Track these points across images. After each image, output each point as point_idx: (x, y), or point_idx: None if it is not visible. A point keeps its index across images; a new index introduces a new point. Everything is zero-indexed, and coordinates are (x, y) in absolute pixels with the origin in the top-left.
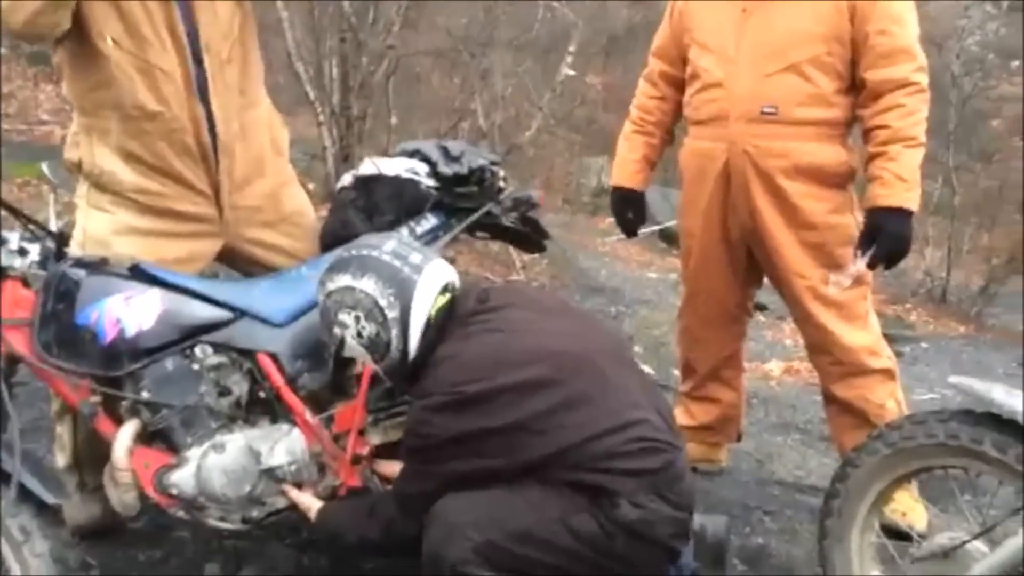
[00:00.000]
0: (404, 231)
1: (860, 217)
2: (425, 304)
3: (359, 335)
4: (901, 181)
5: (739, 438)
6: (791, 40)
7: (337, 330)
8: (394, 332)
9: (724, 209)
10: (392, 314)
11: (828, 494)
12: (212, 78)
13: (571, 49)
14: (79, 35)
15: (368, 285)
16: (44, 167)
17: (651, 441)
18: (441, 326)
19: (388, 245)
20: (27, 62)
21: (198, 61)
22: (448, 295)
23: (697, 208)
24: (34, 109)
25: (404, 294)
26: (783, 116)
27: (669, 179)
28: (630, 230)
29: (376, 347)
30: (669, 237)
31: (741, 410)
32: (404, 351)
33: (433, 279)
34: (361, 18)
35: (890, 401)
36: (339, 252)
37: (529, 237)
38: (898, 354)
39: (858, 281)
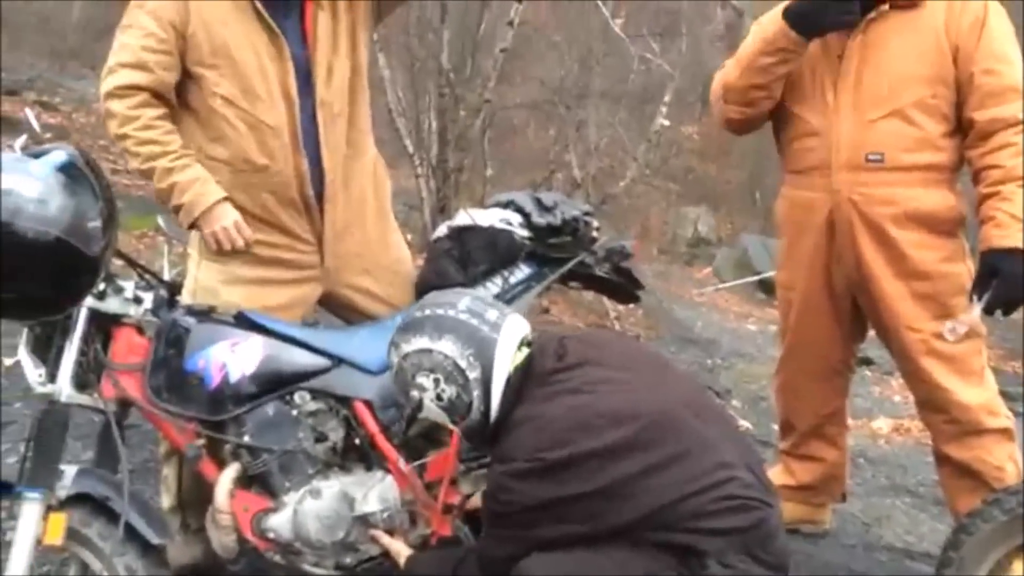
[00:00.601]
0: (497, 281)
1: (972, 265)
2: (505, 363)
3: (439, 398)
4: (1016, 221)
5: (844, 499)
6: (894, 84)
7: (415, 393)
8: (476, 394)
9: (828, 260)
10: (473, 375)
11: (940, 562)
12: (323, 131)
13: (666, 99)
14: (194, 92)
15: (447, 347)
16: (160, 220)
17: (741, 499)
18: (519, 385)
19: (463, 303)
20: None
21: (310, 116)
22: (525, 350)
23: (799, 260)
24: None
25: (484, 354)
26: (890, 162)
27: (768, 229)
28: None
29: (457, 409)
30: (769, 287)
31: (845, 469)
32: (486, 412)
33: (511, 336)
34: (459, 73)
35: (1008, 463)
36: (412, 311)
37: (623, 287)
38: (1016, 413)
39: (971, 334)
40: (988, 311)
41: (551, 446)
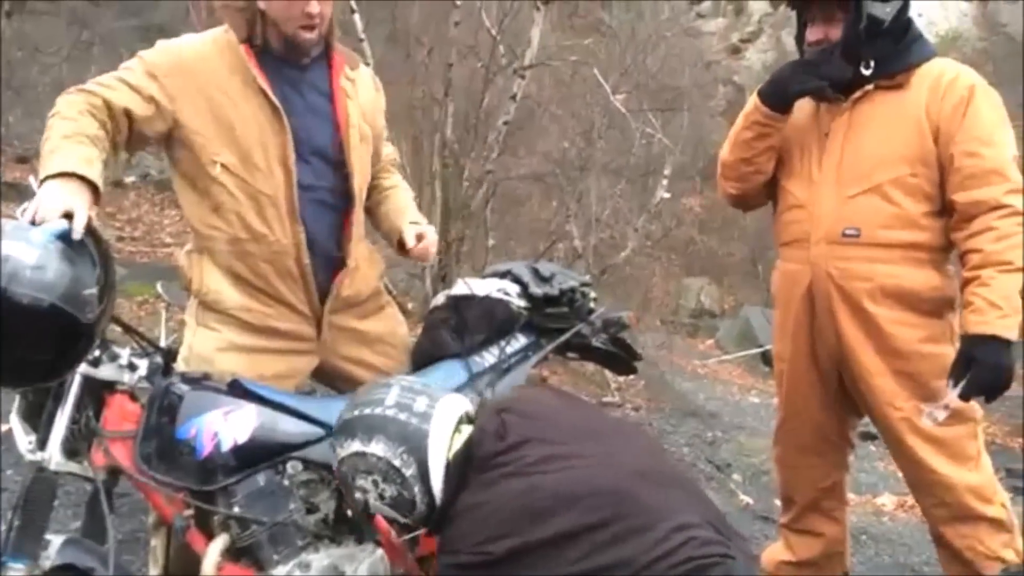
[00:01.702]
0: (494, 351)
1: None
2: (441, 453)
3: (381, 498)
4: (994, 308)
5: None
6: (873, 162)
7: (359, 495)
8: (416, 489)
9: (811, 333)
10: (409, 472)
11: None
12: (355, 214)
13: (667, 172)
14: (193, 162)
15: (379, 448)
16: (159, 287)
17: (697, 560)
18: (462, 470)
19: (391, 397)
20: (154, 188)
21: (335, 192)
22: (465, 429)
23: (787, 332)
24: (159, 232)
25: (417, 448)
26: (866, 238)
27: (770, 301)
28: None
29: (401, 507)
30: (772, 361)
31: (846, 546)
32: (431, 504)
33: (444, 423)
34: (462, 144)
35: (1005, 552)
36: (342, 413)
37: (620, 358)
38: (1017, 490)
39: (961, 417)
40: (964, 397)
41: (497, 537)
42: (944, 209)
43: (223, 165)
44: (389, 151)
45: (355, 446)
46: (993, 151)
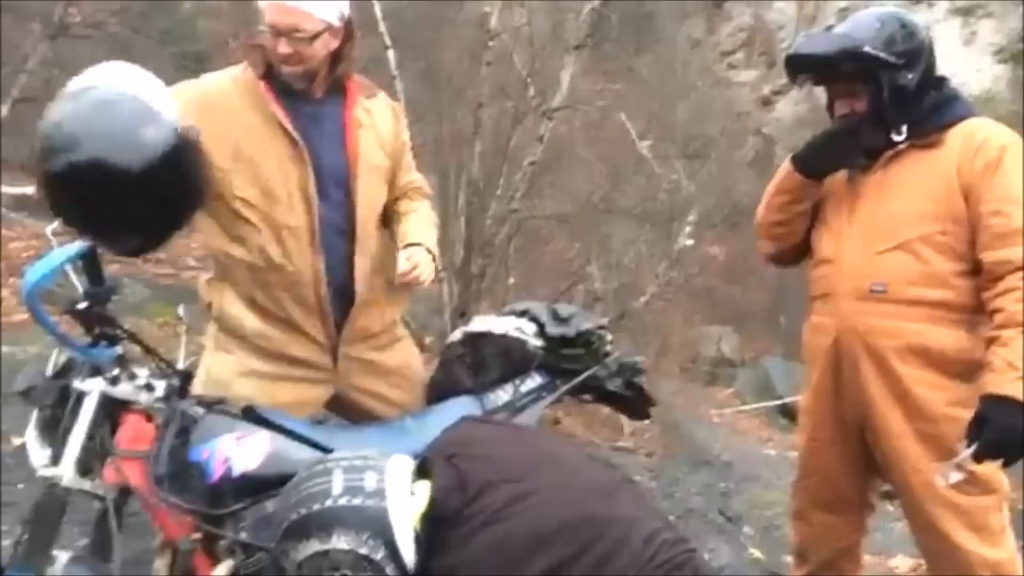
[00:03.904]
0: (508, 389)
1: None
2: (406, 525)
3: None
4: (1012, 369)
5: None
6: (901, 218)
7: None
8: (388, 570)
9: (836, 389)
10: (379, 555)
11: None
12: (359, 244)
13: (690, 219)
14: (215, 196)
15: (340, 542)
16: (180, 309)
17: (674, 559)
18: (430, 534)
19: (336, 485)
20: None
21: (331, 217)
22: (418, 492)
23: (811, 385)
24: (184, 255)
25: (382, 530)
26: (893, 294)
27: (791, 353)
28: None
29: None
30: (790, 413)
31: None
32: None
33: (400, 493)
34: (488, 183)
35: None
36: (284, 514)
37: (634, 402)
38: None
39: (986, 487)
40: (977, 459)
41: None
42: (975, 269)
43: (244, 200)
44: (415, 178)
45: (314, 546)
46: (1020, 209)
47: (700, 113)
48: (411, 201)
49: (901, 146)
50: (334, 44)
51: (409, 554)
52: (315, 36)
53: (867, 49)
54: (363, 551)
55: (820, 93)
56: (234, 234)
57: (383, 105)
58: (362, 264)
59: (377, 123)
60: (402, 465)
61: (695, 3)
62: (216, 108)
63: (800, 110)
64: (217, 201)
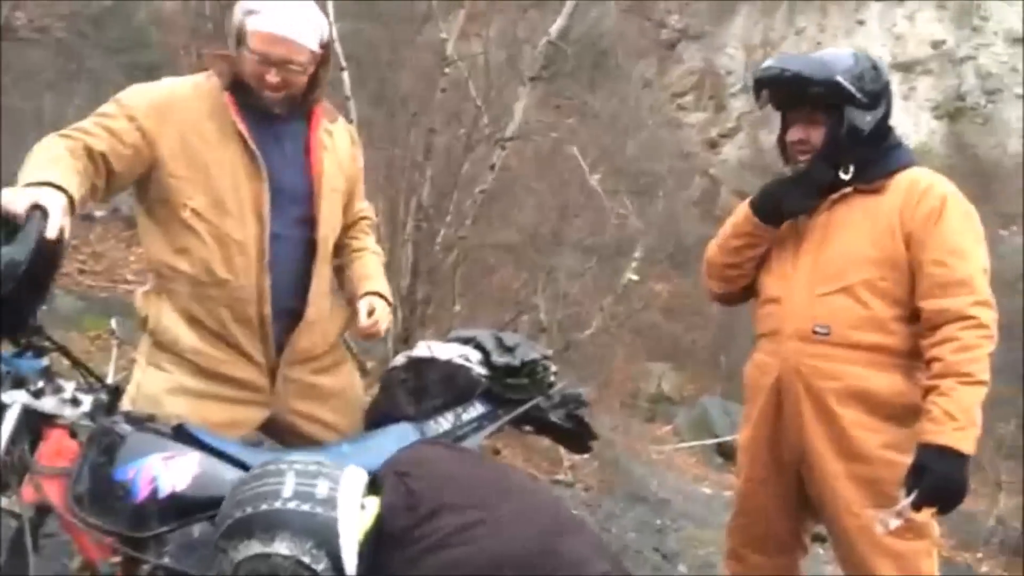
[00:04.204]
0: (449, 417)
1: None
2: (353, 539)
3: None
4: (951, 419)
5: None
6: (845, 262)
7: None
8: None
9: (775, 427)
10: (321, 566)
11: None
12: (317, 266)
13: (636, 255)
14: (164, 204)
15: (283, 546)
16: (113, 322)
17: None
18: (374, 550)
19: (287, 487)
20: (123, 224)
21: (281, 236)
22: (368, 507)
23: (750, 423)
24: (121, 268)
25: (328, 540)
26: (836, 337)
27: (730, 392)
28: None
29: None
30: (727, 452)
31: None
32: None
33: (350, 504)
34: (438, 209)
35: None
36: (229, 510)
37: (576, 435)
38: None
39: (920, 532)
40: (916, 507)
41: None
42: (914, 315)
43: (193, 210)
44: (364, 206)
45: (255, 547)
46: (962, 262)
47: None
48: (363, 237)
49: (846, 189)
50: (312, 69)
51: (351, 569)
52: (304, 66)
53: (839, 79)
54: (305, 559)
55: (765, 138)
56: (178, 245)
57: (342, 129)
58: (318, 286)
59: (338, 146)
60: (356, 477)
61: (648, 44)
62: (174, 113)
63: (744, 154)
64: (165, 208)
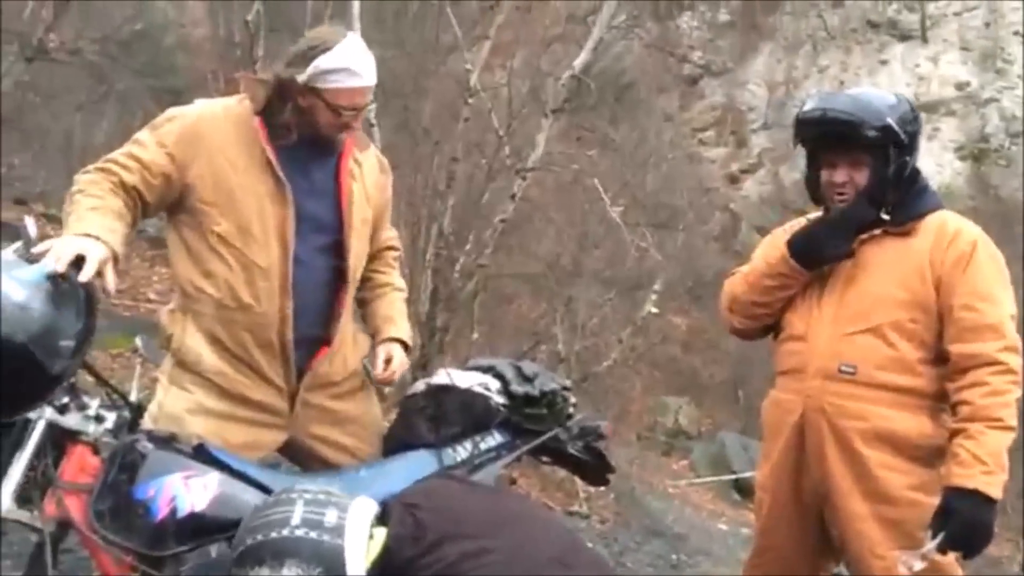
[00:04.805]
0: (467, 445)
1: None
2: (359, 567)
3: None
4: (979, 463)
5: None
6: (873, 302)
7: None
8: None
9: (798, 466)
10: None
11: None
12: (346, 295)
13: (656, 287)
14: (192, 228)
15: (291, 573)
16: (138, 340)
17: None
18: None
19: (296, 515)
20: (148, 244)
21: (332, 269)
22: (379, 534)
23: (771, 461)
24: (145, 288)
25: (335, 567)
26: (862, 377)
27: (748, 428)
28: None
29: None
30: (744, 489)
31: None
32: None
33: (358, 533)
34: (458, 237)
35: None
36: (243, 536)
37: (593, 467)
38: None
39: (942, 574)
40: (942, 550)
41: None
42: (940, 358)
43: (219, 235)
44: (391, 235)
45: (264, 573)
46: (992, 307)
47: (670, 185)
48: (388, 271)
49: (876, 231)
50: None
51: None
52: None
53: (890, 122)
54: None
55: (786, 175)
56: (205, 268)
57: (372, 158)
58: (343, 315)
59: (366, 176)
60: (365, 507)
61: (670, 79)
62: (204, 138)
63: (765, 190)
64: (193, 231)
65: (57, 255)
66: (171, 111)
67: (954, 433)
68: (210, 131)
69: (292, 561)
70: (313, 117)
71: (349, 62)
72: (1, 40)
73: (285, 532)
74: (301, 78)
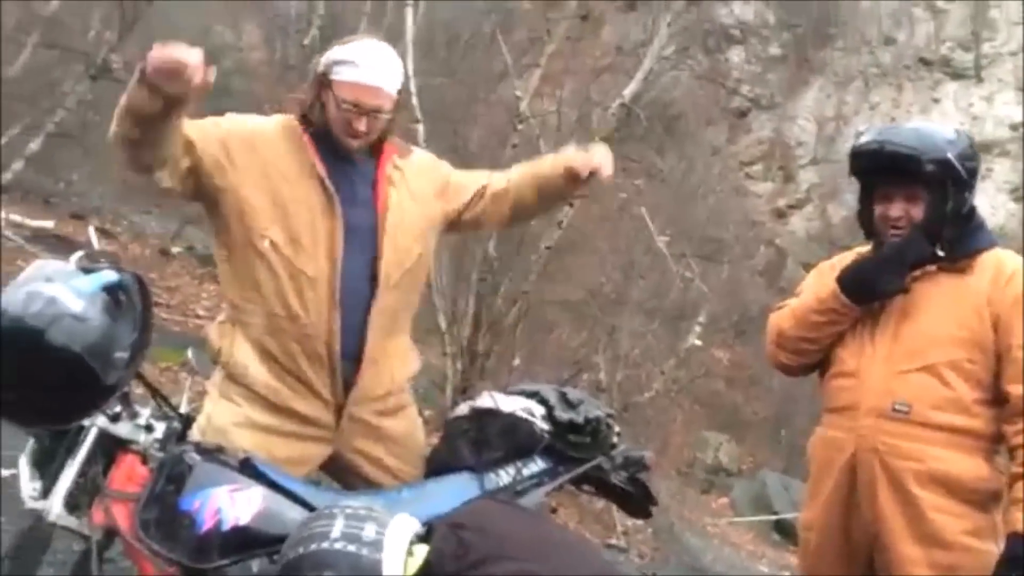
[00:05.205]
0: (510, 470)
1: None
2: None
3: None
4: None
5: None
6: (929, 340)
7: None
8: None
9: (847, 506)
10: None
11: None
12: (378, 297)
13: (700, 320)
14: (242, 234)
15: None
16: (190, 352)
17: None
18: None
19: (336, 529)
20: (197, 262)
21: (357, 276)
22: (420, 552)
23: (820, 500)
24: (194, 304)
25: None
26: (916, 416)
27: (790, 468)
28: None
29: None
30: (785, 530)
31: None
32: None
33: (396, 549)
34: (503, 262)
35: None
36: (286, 549)
37: (636, 499)
38: None
39: None
40: None
41: None
42: (997, 399)
43: (272, 242)
44: (481, 178)
45: None
46: None
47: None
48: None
49: (930, 267)
50: (392, 114)
51: None
52: (388, 113)
53: (950, 157)
54: None
55: (833, 212)
56: (254, 278)
57: (417, 159)
58: (377, 321)
59: (409, 179)
60: (405, 524)
61: (719, 111)
62: (259, 149)
63: (812, 226)
64: (242, 240)
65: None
66: (231, 115)
67: (1014, 477)
68: (265, 141)
69: (329, 572)
70: (326, 114)
71: (357, 56)
72: (67, 59)
73: (325, 545)
74: (320, 68)
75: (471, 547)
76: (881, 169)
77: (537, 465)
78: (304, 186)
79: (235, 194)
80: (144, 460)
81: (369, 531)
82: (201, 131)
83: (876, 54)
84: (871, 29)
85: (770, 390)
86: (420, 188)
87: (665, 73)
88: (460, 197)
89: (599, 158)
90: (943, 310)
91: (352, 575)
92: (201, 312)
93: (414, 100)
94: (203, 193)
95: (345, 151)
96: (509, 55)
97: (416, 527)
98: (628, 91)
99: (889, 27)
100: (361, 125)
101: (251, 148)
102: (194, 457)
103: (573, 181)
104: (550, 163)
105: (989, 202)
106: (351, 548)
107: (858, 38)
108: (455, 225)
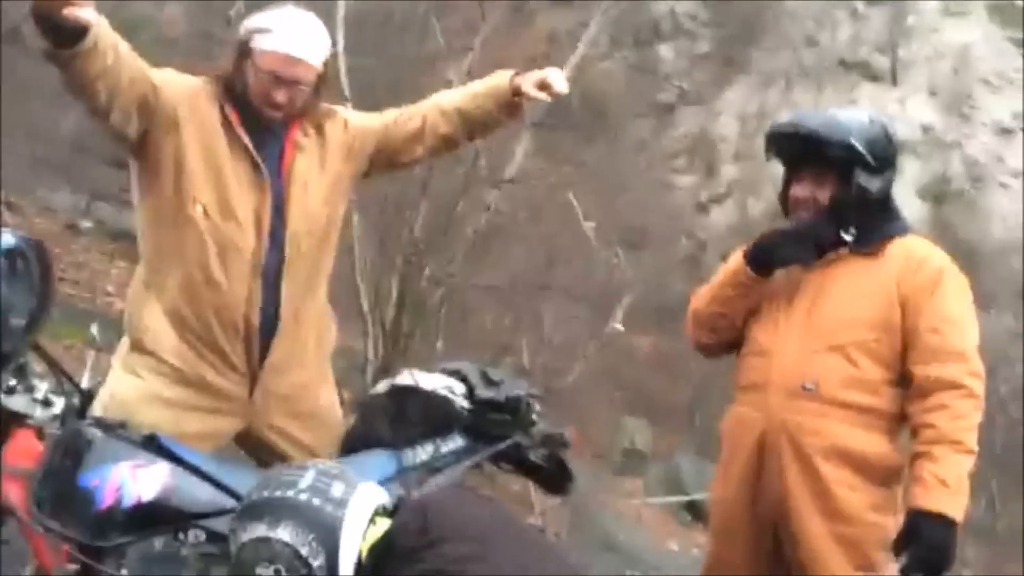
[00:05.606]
0: (428, 447)
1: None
2: (354, 543)
3: None
4: (943, 485)
5: None
6: (839, 322)
7: None
8: None
9: (755, 484)
10: (317, 562)
11: None
12: (287, 265)
13: (623, 303)
14: (173, 193)
15: (285, 533)
16: (94, 328)
17: None
18: (376, 564)
19: (304, 480)
20: (108, 238)
21: (278, 245)
22: (383, 522)
23: (729, 476)
24: (103, 280)
25: (329, 538)
26: (823, 394)
27: (703, 450)
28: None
29: None
30: (696, 511)
31: None
32: None
33: (360, 512)
34: (429, 245)
35: None
36: (250, 493)
37: (554, 477)
38: None
39: None
40: (904, 572)
41: None
42: (901, 379)
43: (205, 209)
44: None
45: (260, 530)
46: (958, 332)
47: (640, 208)
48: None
49: (843, 250)
50: (314, 86)
51: (346, 570)
52: (310, 85)
53: (853, 141)
54: (303, 551)
55: (753, 206)
56: (178, 242)
57: (334, 119)
58: (289, 289)
59: (329, 140)
60: (375, 493)
61: (646, 105)
62: (198, 110)
63: (732, 219)
64: (172, 200)
65: None
66: (170, 71)
67: (916, 455)
68: (201, 105)
69: (288, 522)
70: (246, 82)
71: (277, 24)
72: None
73: (290, 493)
74: (240, 36)
75: (433, 525)
76: (795, 151)
77: (455, 442)
78: (234, 156)
79: (176, 154)
80: (40, 435)
81: (337, 489)
82: (165, 81)
83: (799, 55)
84: (795, 30)
85: (688, 376)
86: (332, 151)
87: (596, 63)
88: (385, 131)
89: (551, 74)
90: (853, 293)
91: (311, 527)
92: (110, 288)
93: (343, 78)
94: (144, 144)
95: (266, 121)
96: (442, 38)
97: (385, 499)
98: None
99: (812, 29)
100: (280, 96)
101: (192, 109)
102: (94, 432)
103: (510, 106)
104: (475, 90)
105: (900, 201)
106: (315, 501)
107: (782, 39)
108: (386, 167)
